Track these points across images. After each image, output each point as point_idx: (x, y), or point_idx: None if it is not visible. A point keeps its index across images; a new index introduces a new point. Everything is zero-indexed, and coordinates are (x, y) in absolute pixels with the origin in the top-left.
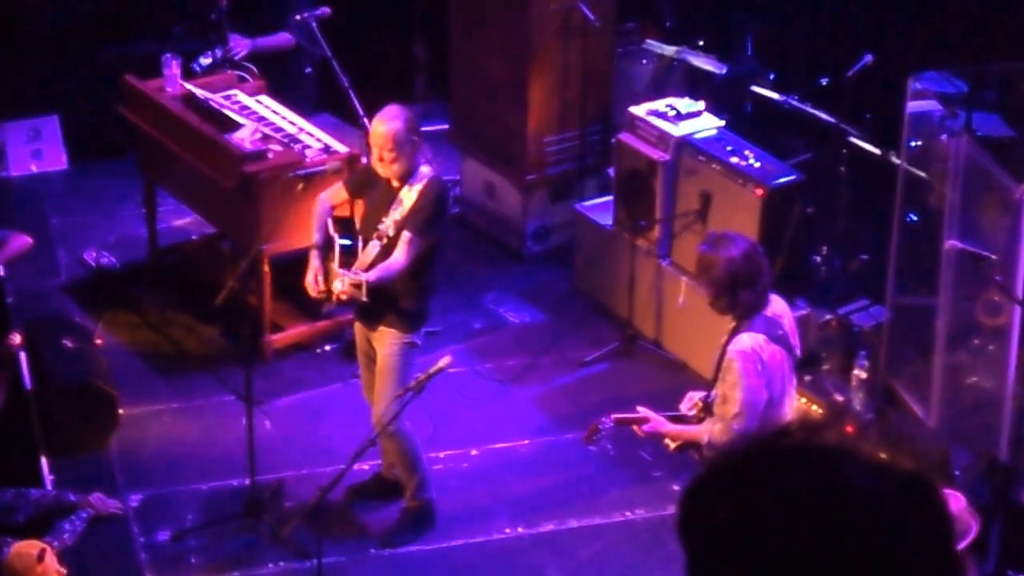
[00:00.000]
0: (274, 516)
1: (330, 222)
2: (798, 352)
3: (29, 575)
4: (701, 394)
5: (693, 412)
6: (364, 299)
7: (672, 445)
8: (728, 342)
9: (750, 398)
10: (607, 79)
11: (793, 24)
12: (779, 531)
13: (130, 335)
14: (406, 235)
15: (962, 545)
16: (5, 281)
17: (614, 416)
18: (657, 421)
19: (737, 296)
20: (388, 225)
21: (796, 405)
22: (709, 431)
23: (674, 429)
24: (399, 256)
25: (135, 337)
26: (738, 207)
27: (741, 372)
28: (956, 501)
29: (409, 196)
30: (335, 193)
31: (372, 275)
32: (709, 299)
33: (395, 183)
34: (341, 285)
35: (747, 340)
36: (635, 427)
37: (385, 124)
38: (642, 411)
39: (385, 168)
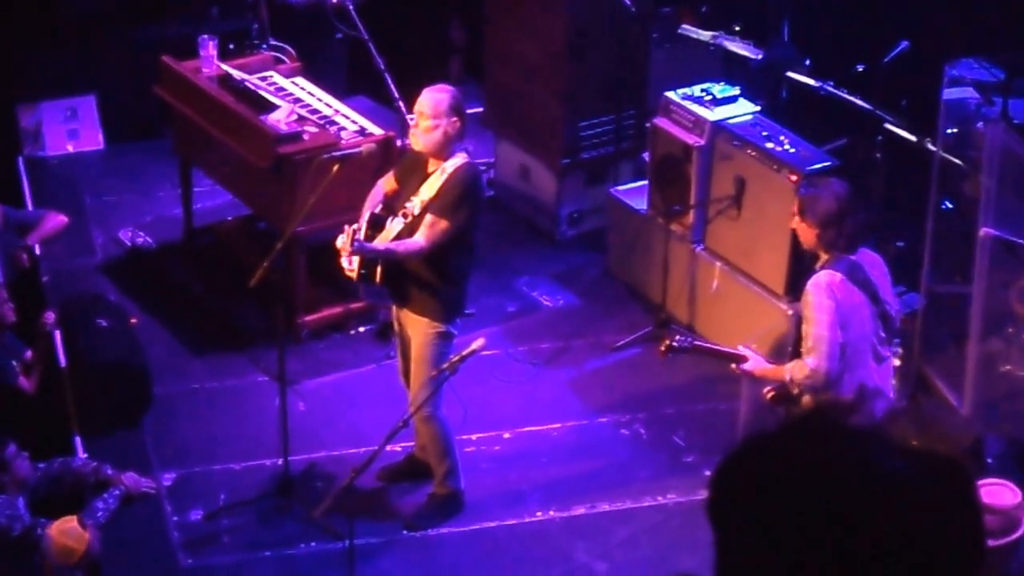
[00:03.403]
0: (306, 497)
1: (380, 206)
2: (889, 306)
3: (82, 544)
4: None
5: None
6: (351, 269)
7: (770, 396)
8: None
9: (820, 332)
10: (643, 63)
11: (829, 10)
12: (808, 513)
13: (165, 315)
14: (429, 218)
15: (1007, 540)
16: (41, 260)
17: (697, 341)
18: (756, 362)
19: (843, 228)
20: (414, 204)
21: (891, 364)
22: (791, 368)
23: (768, 369)
24: (418, 237)
25: (169, 317)
26: (773, 193)
27: (813, 305)
28: (1013, 495)
29: (439, 179)
30: (389, 180)
31: (381, 246)
32: (814, 234)
33: (430, 167)
34: (340, 242)
35: (823, 276)
36: (732, 364)
37: (433, 92)
38: (744, 350)
39: (419, 137)
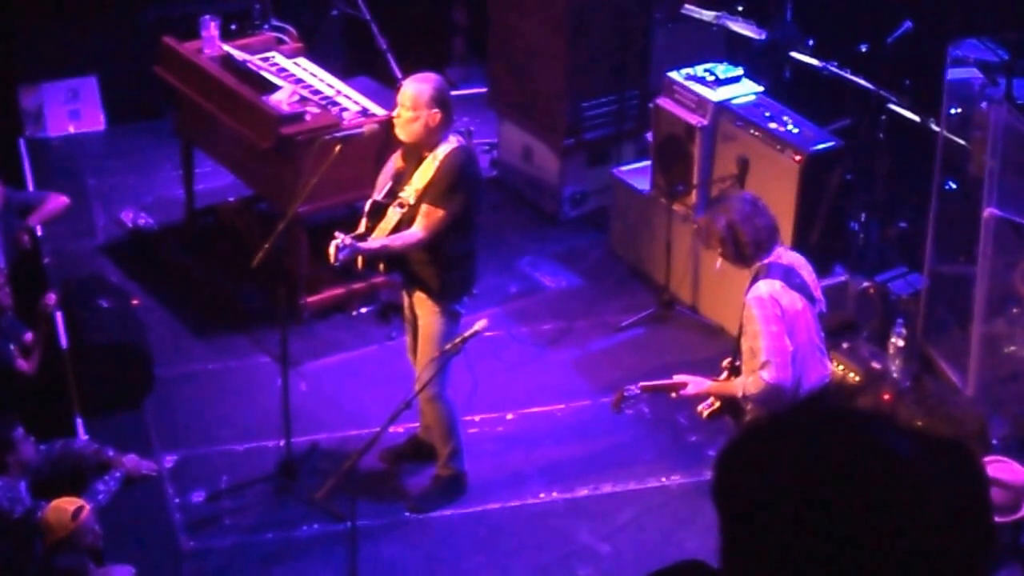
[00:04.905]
0: (309, 478)
1: (389, 185)
2: (822, 305)
3: (62, 531)
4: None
5: (724, 376)
6: (335, 263)
7: (705, 412)
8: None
9: (773, 344)
10: (645, 44)
11: None
12: (814, 495)
13: (166, 296)
14: (424, 208)
15: (1014, 517)
16: (42, 241)
17: (640, 384)
18: (696, 383)
19: (740, 238)
20: (409, 193)
21: (830, 361)
22: (743, 384)
23: (712, 386)
24: (416, 228)
25: (171, 298)
26: (776, 173)
27: (760, 319)
28: (1018, 474)
29: (431, 166)
30: (398, 156)
31: (376, 243)
32: (719, 254)
33: (424, 152)
34: (333, 248)
35: (763, 287)
36: (672, 393)
37: (414, 83)
38: (678, 378)
39: (400, 127)
